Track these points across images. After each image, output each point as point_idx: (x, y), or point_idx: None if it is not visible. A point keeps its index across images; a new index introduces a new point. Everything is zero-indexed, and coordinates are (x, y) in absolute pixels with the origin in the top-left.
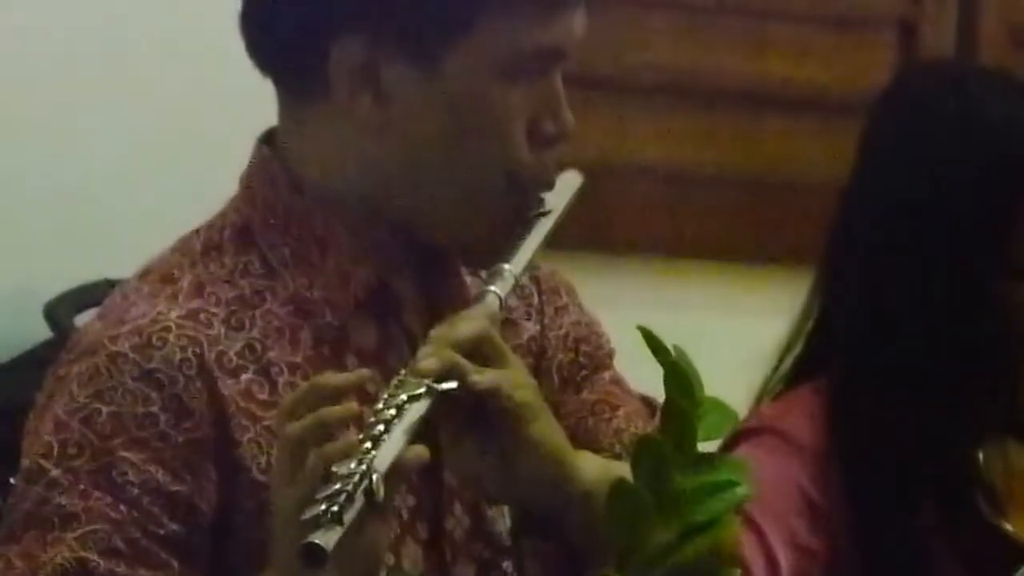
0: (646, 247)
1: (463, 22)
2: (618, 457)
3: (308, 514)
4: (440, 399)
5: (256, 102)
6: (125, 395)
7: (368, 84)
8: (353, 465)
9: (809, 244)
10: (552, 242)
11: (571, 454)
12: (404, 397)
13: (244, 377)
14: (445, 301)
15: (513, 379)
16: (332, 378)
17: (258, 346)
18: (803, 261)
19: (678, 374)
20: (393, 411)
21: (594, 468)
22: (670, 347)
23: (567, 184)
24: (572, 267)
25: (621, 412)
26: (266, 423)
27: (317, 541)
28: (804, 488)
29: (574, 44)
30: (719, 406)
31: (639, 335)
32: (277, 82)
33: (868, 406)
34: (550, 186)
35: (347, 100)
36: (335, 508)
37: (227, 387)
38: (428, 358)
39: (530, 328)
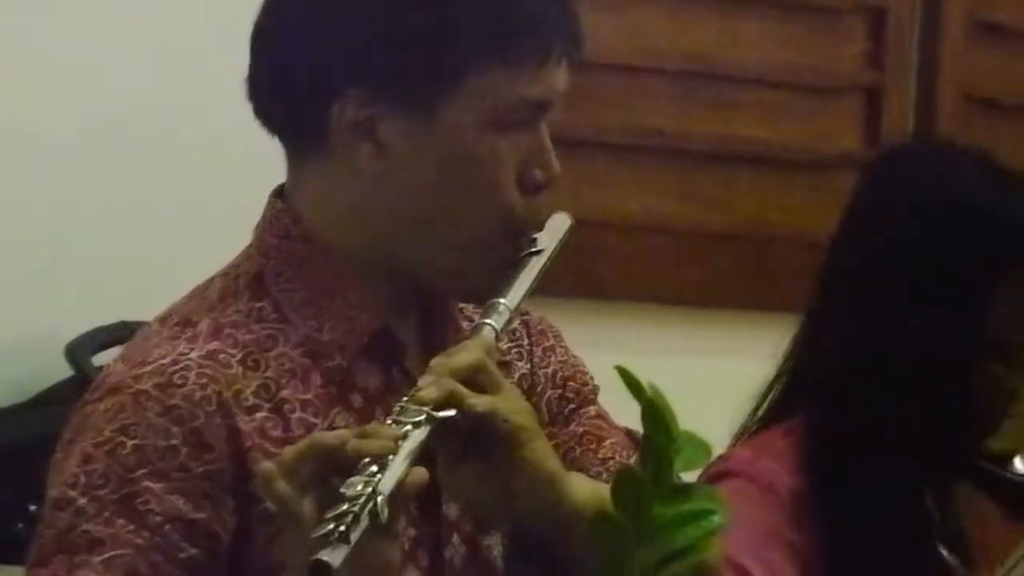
0: (628, 294)
1: (455, 78)
2: (606, 483)
3: (317, 533)
4: (440, 426)
5: (267, 158)
6: (148, 430)
7: (367, 137)
8: (360, 487)
9: (777, 292)
10: (542, 289)
11: (564, 476)
12: (409, 426)
13: (259, 415)
14: (442, 346)
15: (509, 404)
16: (326, 435)
17: (272, 385)
18: (772, 308)
19: (654, 411)
20: (399, 439)
21: (585, 489)
22: (646, 386)
23: (557, 225)
24: (560, 312)
25: (607, 443)
26: (278, 458)
27: (325, 559)
28: (779, 529)
29: (558, 97)
30: (694, 440)
31: (617, 375)
32: (283, 139)
33: (840, 452)
34: (540, 227)
35: (348, 152)
36: (342, 528)
37: (244, 423)
38: (428, 387)
39: (521, 367)
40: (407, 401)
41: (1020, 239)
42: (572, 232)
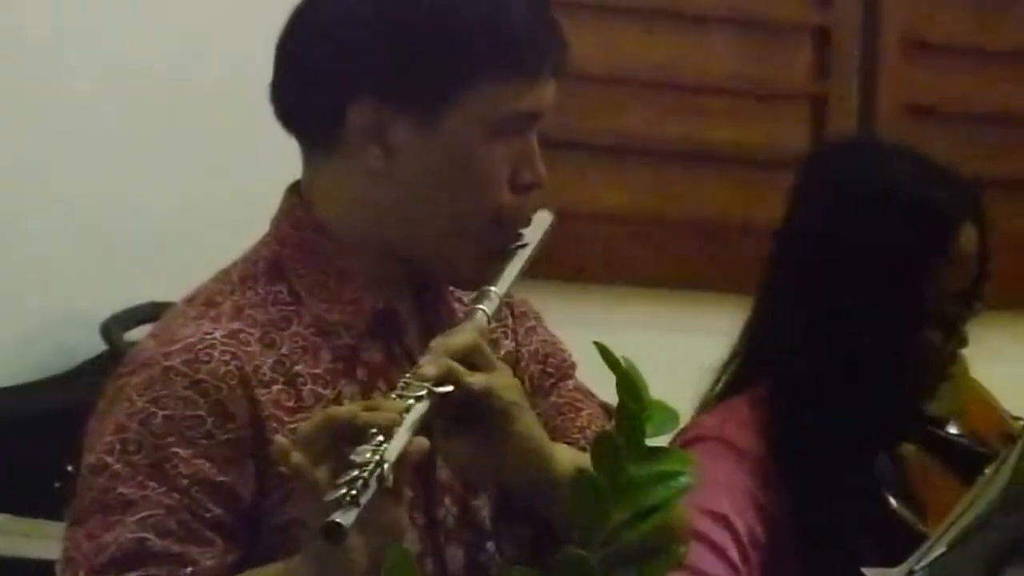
0: (606, 278)
1: (457, 90)
2: (583, 450)
3: (330, 497)
4: (439, 400)
5: (284, 155)
6: (177, 401)
7: (377, 140)
8: (368, 455)
9: (738, 276)
10: (527, 274)
11: (549, 445)
12: (411, 400)
13: (275, 388)
14: (438, 325)
15: (501, 381)
16: (338, 410)
17: (287, 361)
18: (733, 290)
19: (628, 382)
20: (403, 412)
21: (567, 457)
22: (621, 360)
23: (541, 221)
24: (545, 294)
25: (584, 413)
26: (291, 426)
27: (338, 520)
28: (750, 487)
29: (547, 109)
30: (663, 408)
31: (595, 349)
32: (301, 139)
33: (798, 416)
34: (527, 223)
35: (360, 153)
36: (353, 492)
37: (262, 395)
38: (428, 365)
39: (506, 345)
40: (409, 377)
41: (950, 222)
42: (554, 227)
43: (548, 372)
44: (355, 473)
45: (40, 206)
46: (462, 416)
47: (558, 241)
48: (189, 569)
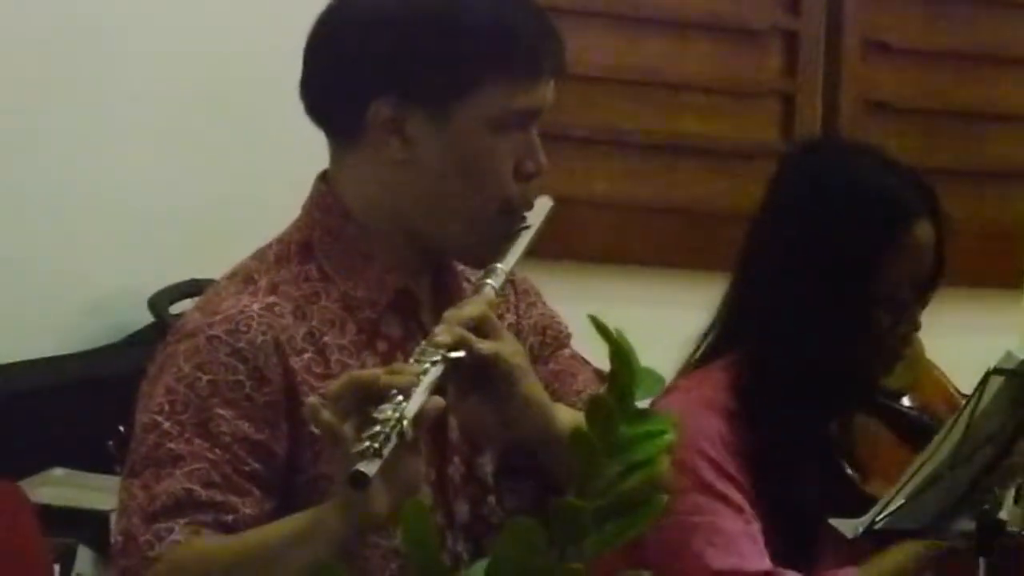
0: (597, 258)
1: (467, 88)
2: (581, 411)
3: (355, 449)
4: (452, 364)
5: (314, 147)
6: (219, 367)
7: (396, 132)
8: (390, 412)
9: (713, 256)
10: (531, 254)
11: (551, 406)
12: (427, 364)
13: (306, 356)
14: (450, 304)
15: (509, 347)
16: (362, 373)
17: (316, 333)
18: (708, 268)
19: (620, 350)
20: (420, 374)
21: (567, 415)
22: (613, 331)
23: (542, 205)
24: (544, 272)
25: (579, 378)
26: (320, 391)
27: (362, 469)
28: (722, 431)
29: (547, 105)
30: (651, 374)
31: (589, 323)
32: (328, 132)
33: (763, 386)
34: (530, 207)
35: (381, 145)
36: (376, 445)
37: (294, 362)
38: (443, 333)
39: (509, 319)
40: (425, 344)
41: (903, 214)
42: (553, 211)
43: (546, 342)
44: (378, 428)
45: (93, 193)
46: (473, 378)
47: (555, 225)
48: (231, 516)
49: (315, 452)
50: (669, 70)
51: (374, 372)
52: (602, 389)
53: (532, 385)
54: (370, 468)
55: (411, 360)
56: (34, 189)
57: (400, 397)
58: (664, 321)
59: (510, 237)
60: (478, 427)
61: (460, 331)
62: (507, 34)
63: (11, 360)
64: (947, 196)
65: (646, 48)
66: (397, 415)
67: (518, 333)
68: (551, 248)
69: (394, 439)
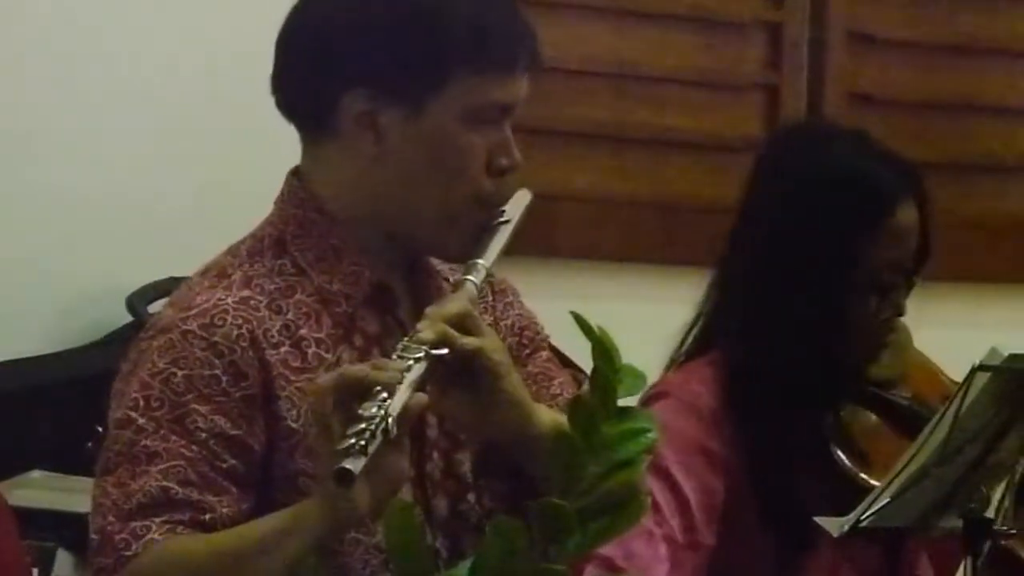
0: (579, 254)
1: (440, 83)
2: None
3: (341, 446)
4: (435, 361)
5: (293, 145)
6: (195, 362)
7: (369, 127)
8: (374, 410)
9: (697, 251)
10: (512, 251)
11: (532, 404)
12: (411, 361)
13: (283, 349)
14: (428, 301)
15: (491, 344)
16: (349, 368)
17: (292, 326)
18: (692, 263)
19: (602, 347)
20: (404, 371)
21: (547, 415)
22: (595, 327)
23: (521, 199)
24: (525, 269)
25: (556, 381)
26: (297, 384)
27: (348, 466)
28: (703, 440)
29: (521, 101)
30: (633, 371)
31: (572, 319)
32: (300, 127)
33: (751, 377)
34: (505, 202)
35: (354, 139)
36: (362, 442)
37: (271, 356)
38: (426, 330)
39: (486, 318)
40: (408, 340)
41: (889, 196)
42: (532, 204)
43: (524, 343)
44: (363, 426)
45: (70, 192)
46: (455, 375)
47: (535, 220)
48: (208, 515)
49: (292, 446)
50: (651, 63)
51: (362, 368)
52: (581, 391)
53: (514, 382)
54: (355, 465)
55: (394, 356)
56: (10, 188)
57: (384, 394)
58: (647, 317)
59: (489, 232)
60: (458, 423)
61: (443, 328)
62: (481, 28)
63: None
64: (935, 191)
65: (628, 41)
66: (382, 412)
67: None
68: (533, 244)
69: (379, 437)
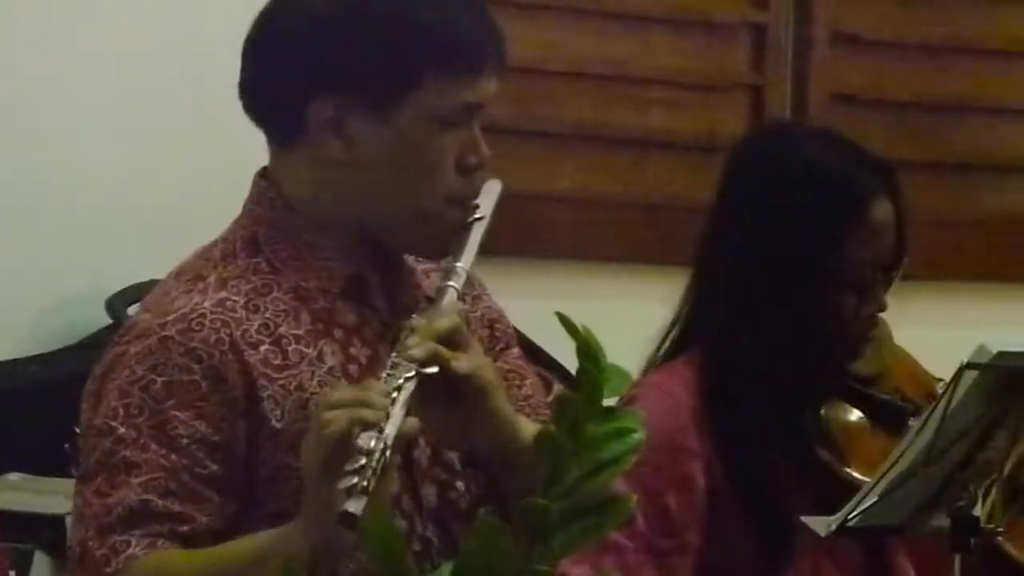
0: (564, 254)
1: (406, 87)
2: (528, 417)
3: (343, 485)
4: (425, 379)
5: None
6: (174, 368)
7: (337, 132)
8: (372, 443)
9: (681, 251)
10: (497, 250)
11: (515, 418)
12: (401, 380)
13: (263, 348)
14: (402, 290)
15: (478, 361)
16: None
17: (271, 324)
18: (677, 263)
19: (587, 347)
20: (394, 390)
21: (529, 429)
22: (580, 327)
23: (491, 191)
24: (510, 268)
25: (528, 382)
26: (280, 383)
27: (351, 510)
28: (683, 436)
29: (488, 101)
30: (619, 371)
31: (556, 319)
32: (267, 132)
33: (730, 377)
34: (476, 196)
35: (321, 144)
36: (364, 483)
37: (250, 356)
38: (416, 347)
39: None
40: (398, 356)
41: (864, 193)
42: (503, 194)
43: (496, 337)
44: (363, 462)
45: (49, 193)
46: (441, 390)
47: (521, 220)
48: (187, 527)
49: (275, 444)
50: (637, 64)
51: (348, 415)
52: (554, 393)
53: (501, 399)
54: (358, 507)
55: (385, 373)
56: None
57: (380, 423)
58: (632, 317)
59: (464, 230)
60: (443, 436)
61: (434, 347)
62: (448, 31)
63: None
64: (917, 188)
65: (614, 42)
66: (381, 446)
67: (466, 324)
68: (518, 244)
69: (379, 473)
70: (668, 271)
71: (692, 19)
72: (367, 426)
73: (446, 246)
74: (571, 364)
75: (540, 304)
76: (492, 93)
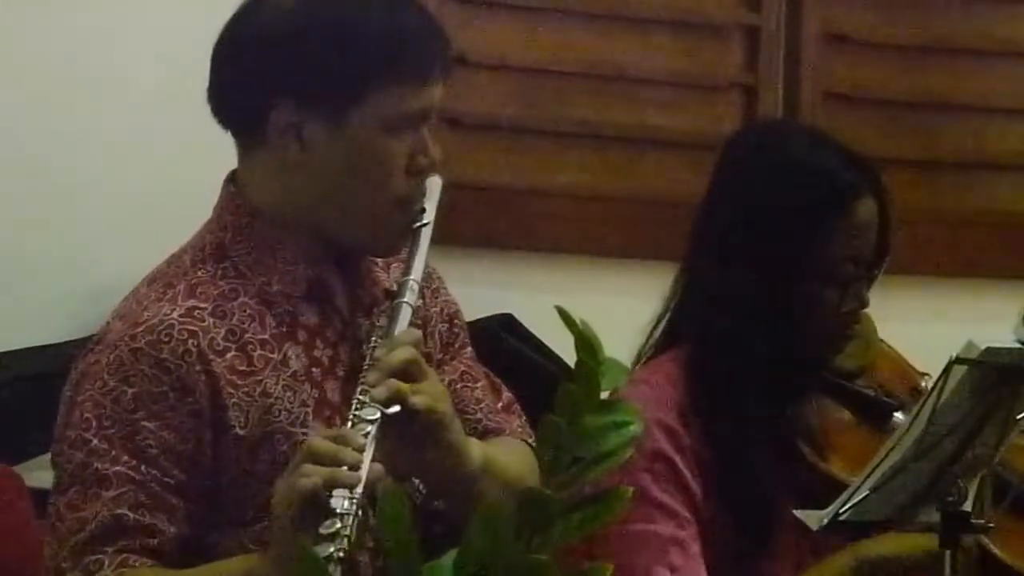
0: (561, 248)
1: (360, 94)
2: (478, 423)
3: (322, 554)
4: (387, 419)
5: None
6: (143, 379)
7: (295, 137)
8: (345, 504)
9: (676, 246)
10: (498, 244)
11: (467, 445)
12: (369, 428)
13: (229, 355)
14: (361, 287)
15: (436, 390)
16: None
17: (237, 330)
18: (673, 258)
19: (586, 341)
20: (361, 437)
21: (477, 450)
22: (579, 321)
23: (433, 191)
24: (508, 263)
25: (479, 384)
26: (244, 389)
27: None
28: (672, 427)
29: (436, 107)
30: (616, 364)
31: (556, 313)
32: (234, 135)
33: (714, 372)
34: (423, 196)
35: (281, 148)
36: (340, 553)
37: (217, 365)
38: (378, 386)
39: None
40: (361, 394)
41: (848, 191)
42: (444, 188)
43: (455, 331)
44: (338, 527)
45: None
46: (397, 425)
47: (519, 215)
48: (156, 540)
49: (239, 452)
50: (633, 65)
51: (321, 474)
52: (501, 399)
53: (457, 430)
54: (337, 572)
55: (351, 415)
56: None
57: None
58: (629, 312)
59: (412, 239)
60: (393, 465)
61: (395, 384)
62: (396, 41)
63: (13, 347)
64: (907, 187)
65: (610, 44)
66: (354, 507)
67: (426, 319)
68: (516, 240)
69: (354, 533)
70: (664, 266)
71: (687, 21)
72: (340, 485)
73: (397, 246)
74: (570, 357)
75: (540, 298)
76: (440, 98)
